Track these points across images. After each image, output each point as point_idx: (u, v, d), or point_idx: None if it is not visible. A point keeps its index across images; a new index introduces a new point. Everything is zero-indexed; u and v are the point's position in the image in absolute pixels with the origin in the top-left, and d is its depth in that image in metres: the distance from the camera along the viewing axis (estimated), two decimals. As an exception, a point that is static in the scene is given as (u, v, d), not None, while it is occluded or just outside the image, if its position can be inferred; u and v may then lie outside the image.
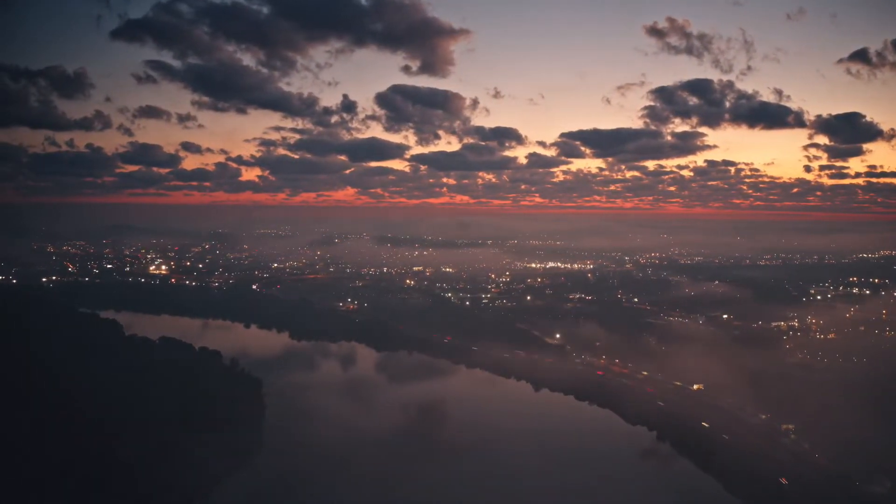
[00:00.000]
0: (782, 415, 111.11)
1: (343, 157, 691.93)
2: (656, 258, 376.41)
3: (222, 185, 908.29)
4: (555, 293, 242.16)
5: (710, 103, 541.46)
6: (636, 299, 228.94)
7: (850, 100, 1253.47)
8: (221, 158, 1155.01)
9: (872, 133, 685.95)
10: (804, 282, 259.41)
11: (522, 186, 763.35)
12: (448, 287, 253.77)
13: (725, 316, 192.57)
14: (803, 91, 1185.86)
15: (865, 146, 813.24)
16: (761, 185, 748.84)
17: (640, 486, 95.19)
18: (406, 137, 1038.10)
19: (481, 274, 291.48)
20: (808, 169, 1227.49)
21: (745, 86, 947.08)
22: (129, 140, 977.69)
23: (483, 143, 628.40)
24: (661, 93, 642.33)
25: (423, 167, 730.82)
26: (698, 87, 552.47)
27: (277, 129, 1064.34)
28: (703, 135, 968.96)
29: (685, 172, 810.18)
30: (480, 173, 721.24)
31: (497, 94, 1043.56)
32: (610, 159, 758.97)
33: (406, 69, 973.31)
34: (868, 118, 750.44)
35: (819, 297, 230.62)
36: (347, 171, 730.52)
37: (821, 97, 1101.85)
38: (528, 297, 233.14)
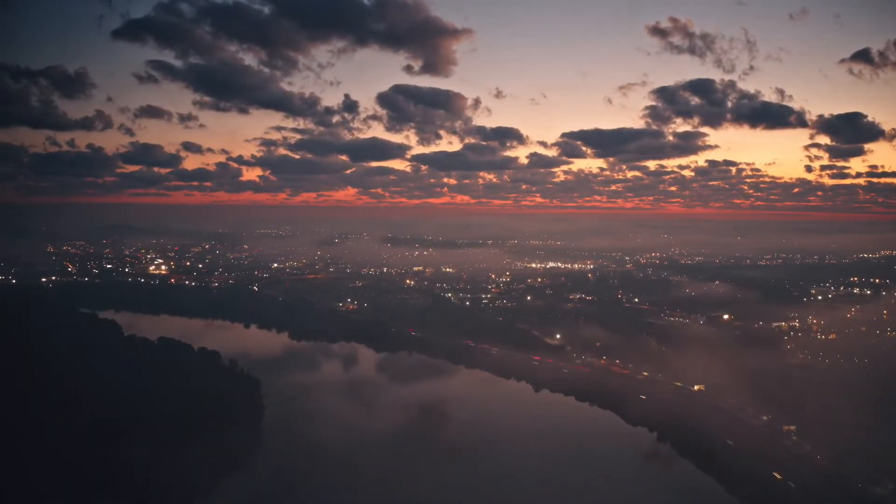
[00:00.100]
0: (783, 416, 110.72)
1: (344, 157, 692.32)
2: (657, 258, 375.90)
3: (223, 185, 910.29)
4: (555, 293, 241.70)
5: (712, 103, 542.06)
6: (637, 299, 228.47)
7: (852, 100, 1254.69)
8: (222, 158, 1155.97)
9: (874, 133, 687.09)
10: (805, 282, 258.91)
11: (523, 186, 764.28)
12: (448, 287, 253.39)
13: (726, 316, 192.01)
14: (805, 91, 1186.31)
15: (867, 146, 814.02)
16: (762, 185, 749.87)
17: (640, 487, 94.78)
18: (407, 137, 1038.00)
19: (481, 274, 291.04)
20: (809, 169, 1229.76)
21: (748, 86, 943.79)
22: (131, 140, 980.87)
23: (484, 143, 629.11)
24: (663, 93, 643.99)
25: (423, 167, 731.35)
26: (700, 86, 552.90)
27: (278, 128, 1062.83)
28: (704, 135, 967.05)
29: (686, 172, 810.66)
30: (481, 173, 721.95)
31: (499, 94, 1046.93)
32: (611, 159, 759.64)
33: (408, 69, 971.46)
34: (870, 118, 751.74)
35: (820, 298, 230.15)
36: (348, 171, 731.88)
37: (823, 97, 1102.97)
38: (529, 298, 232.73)
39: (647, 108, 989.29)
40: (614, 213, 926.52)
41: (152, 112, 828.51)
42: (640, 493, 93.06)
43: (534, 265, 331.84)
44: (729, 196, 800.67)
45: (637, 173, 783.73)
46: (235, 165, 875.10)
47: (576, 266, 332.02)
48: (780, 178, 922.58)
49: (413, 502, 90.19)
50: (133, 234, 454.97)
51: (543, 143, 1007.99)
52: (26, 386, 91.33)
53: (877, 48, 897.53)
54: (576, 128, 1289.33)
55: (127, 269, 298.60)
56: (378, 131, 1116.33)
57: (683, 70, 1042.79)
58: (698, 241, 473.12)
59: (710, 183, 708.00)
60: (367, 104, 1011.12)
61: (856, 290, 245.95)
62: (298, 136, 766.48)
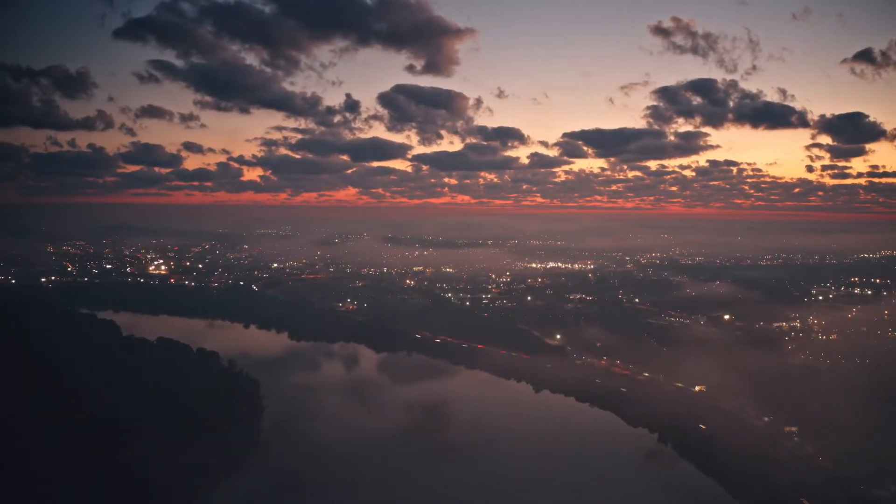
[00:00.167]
0: (785, 417, 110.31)
1: (345, 157, 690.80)
2: (657, 258, 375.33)
3: (224, 185, 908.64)
4: (555, 293, 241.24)
5: (714, 103, 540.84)
6: (637, 300, 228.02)
7: (854, 100, 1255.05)
8: (223, 158, 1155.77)
9: (875, 133, 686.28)
10: (806, 282, 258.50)
11: (524, 186, 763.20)
12: (448, 287, 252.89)
13: (727, 316, 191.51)
14: (808, 91, 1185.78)
15: (868, 146, 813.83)
16: (763, 185, 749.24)
17: (641, 488, 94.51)
18: (408, 137, 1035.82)
19: (482, 274, 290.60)
20: (810, 169, 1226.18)
21: (750, 85, 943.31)
22: (132, 140, 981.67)
23: (485, 143, 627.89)
24: (665, 92, 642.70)
25: (425, 167, 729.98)
26: (702, 86, 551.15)
27: (279, 128, 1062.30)
28: (706, 135, 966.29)
29: (687, 172, 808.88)
30: (482, 173, 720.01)
31: (501, 94, 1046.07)
32: (612, 159, 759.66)
33: (410, 68, 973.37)
34: (871, 118, 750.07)
35: (821, 298, 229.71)
36: (349, 171, 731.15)
37: (825, 97, 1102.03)
38: (529, 298, 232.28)
39: (648, 107, 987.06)
40: (615, 213, 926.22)
41: (153, 112, 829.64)
42: (641, 495, 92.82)
43: (534, 265, 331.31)
44: (730, 196, 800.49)
45: (638, 173, 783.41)
46: (236, 165, 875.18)
47: (576, 266, 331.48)
48: (781, 178, 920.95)
49: (413, 502, 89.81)
50: (133, 234, 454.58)
51: (545, 143, 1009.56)
52: (24, 387, 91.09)
53: (879, 48, 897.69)
54: (577, 128, 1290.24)
55: (127, 269, 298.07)
56: (379, 131, 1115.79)
57: (685, 70, 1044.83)
58: (699, 241, 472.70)
59: (711, 183, 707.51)
60: (369, 104, 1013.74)
61: (856, 291, 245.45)
62: (299, 136, 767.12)
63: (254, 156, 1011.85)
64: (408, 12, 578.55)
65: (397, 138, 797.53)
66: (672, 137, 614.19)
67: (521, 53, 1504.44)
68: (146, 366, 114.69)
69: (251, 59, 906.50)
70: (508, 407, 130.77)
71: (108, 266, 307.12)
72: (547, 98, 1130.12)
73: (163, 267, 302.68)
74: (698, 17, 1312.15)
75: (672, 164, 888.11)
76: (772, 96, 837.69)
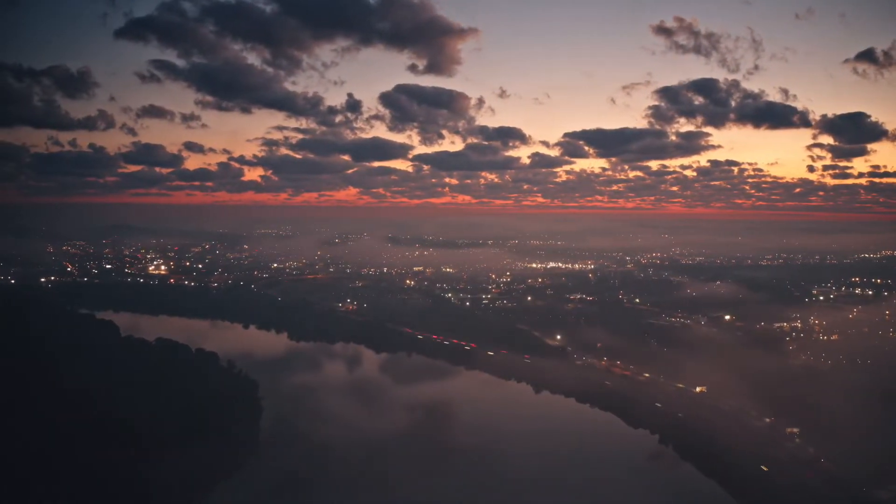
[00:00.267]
0: (786, 418, 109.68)
1: (346, 157, 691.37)
2: (658, 258, 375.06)
3: (224, 185, 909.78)
4: (555, 294, 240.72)
5: (716, 103, 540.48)
6: (637, 300, 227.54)
7: (856, 100, 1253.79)
8: (224, 158, 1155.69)
9: (877, 133, 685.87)
10: (806, 282, 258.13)
11: (525, 186, 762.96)
12: (448, 287, 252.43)
13: (728, 317, 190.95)
14: (810, 91, 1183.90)
15: (870, 146, 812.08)
16: (764, 185, 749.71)
17: (641, 489, 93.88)
18: (410, 137, 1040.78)
19: (482, 274, 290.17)
20: (811, 169, 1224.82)
21: (752, 85, 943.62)
22: (133, 140, 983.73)
23: (486, 143, 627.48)
24: (667, 92, 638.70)
25: (426, 167, 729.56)
26: (704, 86, 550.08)
27: (280, 128, 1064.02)
28: (707, 135, 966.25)
29: (688, 172, 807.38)
30: (483, 173, 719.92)
31: (503, 94, 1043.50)
32: (613, 159, 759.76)
33: (412, 68, 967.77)
34: (873, 118, 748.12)
35: (821, 298, 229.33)
36: (350, 171, 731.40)
37: (827, 97, 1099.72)
38: (529, 298, 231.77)
39: (650, 107, 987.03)
40: (615, 213, 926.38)
41: (155, 112, 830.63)
42: (641, 496, 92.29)
43: (534, 265, 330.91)
44: (730, 196, 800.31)
45: (639, 173, 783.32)
46: (237, 165, 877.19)
47: (576, 266, 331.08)
48: (782, 178, 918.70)
49: (413, 502, 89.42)
50: (133, 234, 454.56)
51: (546, 143, 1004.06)
52: (22, 388, 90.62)
53: (881, 48, 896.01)
54: (578, 127, 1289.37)
55: (126, 270, 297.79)
56: (381, 131, 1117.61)
57: (688, 69, 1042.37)
58: (699, 242, 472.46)
59: (712, 183, 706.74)
60: (371, 104, 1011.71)
61: (857, 291, 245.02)
62: (300, 136, 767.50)
63: (255, 156, 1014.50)
64: (410, 12, 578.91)
65: (398, 138, 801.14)
66: (673, 137, 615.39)
67: (523, 53, 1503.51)
68: (145, 366, 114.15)
69: (253, 58, 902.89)
70: (508, 408, 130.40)
71: (108, 266, 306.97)
72: (549, 98, 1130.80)
73: (162, 267, 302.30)
74: (701, 17, 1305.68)
75: (673, 163, 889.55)
76: (774, 96, 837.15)
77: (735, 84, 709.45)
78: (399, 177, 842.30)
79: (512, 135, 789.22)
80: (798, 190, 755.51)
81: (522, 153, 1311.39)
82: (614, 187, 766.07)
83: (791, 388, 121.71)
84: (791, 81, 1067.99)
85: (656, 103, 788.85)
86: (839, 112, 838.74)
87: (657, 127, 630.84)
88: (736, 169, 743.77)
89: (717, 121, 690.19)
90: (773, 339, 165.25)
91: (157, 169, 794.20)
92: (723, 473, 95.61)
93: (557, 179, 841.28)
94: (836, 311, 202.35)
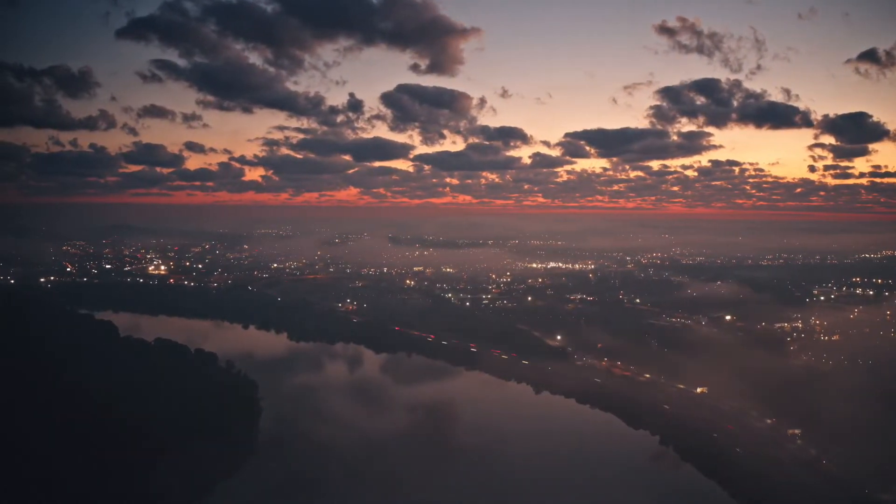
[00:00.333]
0: (788, 419, 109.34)
1: (347, 157, 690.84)
2: (658, 258, 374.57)
3: (225, 185, 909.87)
4: (556, 294, 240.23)
5: (718, 103, 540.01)
6: (638, 300, 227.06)
7: (858, 100, 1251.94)
8: (225, 158, 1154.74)
9: (879, 133, 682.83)
10: (807, 282, 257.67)
11: (525, 186, 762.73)
12: (448, 287, 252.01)
13: (728, 317, 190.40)
14: (812, 91, 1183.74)
15: (871, 146, 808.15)
16: (765, 185, 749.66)
17: (642, 490, 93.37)
18: (411, 137, 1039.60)
19: (482, 274, 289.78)
20: (812, 169, 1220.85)
21: (754, 85, 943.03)
22: (134, 140, 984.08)
23: (488, 143, 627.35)
24: (669, 92, 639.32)
25: (426, 167, 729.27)
26: (706, 86, 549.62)
27: (281, 128, 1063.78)
28: (709, 134, 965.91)
29: (689, 172, 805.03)
30: (484, 173, 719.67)
31: (505, 94, 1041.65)
32: (614, 159, 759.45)
33: (415, 67, 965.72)
34: (875, 118, 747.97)
35: (822, 298, 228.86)
36: (351, 171, 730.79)
37: (829, 97, 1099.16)
38: (529, 298, 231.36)
39: (652, 107, 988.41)
40: (616, 212, 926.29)
41: (156, 112, 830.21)
42: (642, 497, 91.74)
43: (535, 265, 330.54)
44: (731, 196, 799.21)
45: (640, 173, 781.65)
46: (238, 165, 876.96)
47: (577, 266, 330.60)
48: (783, 178, 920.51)
49: (413, 502, 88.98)
50: (133, 234, 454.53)
51: (547, 143, 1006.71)
52: (20, 388, 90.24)
53: (883, 48, 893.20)
54: (580, 127, 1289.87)
55: (126, 270, 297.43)
56: (382, 131, 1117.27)
57: (690, 69, 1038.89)
58: (700, 242, 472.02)
59: (713, 183, 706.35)
60: (372, 104, 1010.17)
61: (858, 291, 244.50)
62: (301, 136, 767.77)
63: (255, 156, 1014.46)
64: (413, 11, 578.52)
65: (400, 138, 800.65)
66: (675, 137, 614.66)
67: (525, 53, 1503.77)
68: (144, 367, 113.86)
69: (254, 58, 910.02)
70: (508, 408, 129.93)
71: (108, 266, 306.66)
72: (550, 98, 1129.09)
73: (162, 267, 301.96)
74: (703, 17, 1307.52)
75: (674, 163, 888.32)
76: (776, 96, 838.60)
77: (737, 84, 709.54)
78: (400, 177, 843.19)
79: (513, 135, 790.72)
80: (799, 190, 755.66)
81: (524, 153, 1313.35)
82: (615, 187, 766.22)
83: (792, 388, 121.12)
84: (793, 81, 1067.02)
85: (658, 103, 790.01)
86: (841, 112, 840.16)
87: (659, 127, 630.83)
88: (737, 169, 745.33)
89: (719, 121, 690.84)
90: (773, 340, 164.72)
91: (158, 169, 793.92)
92: (724, 474, 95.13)
93: (558, 179, 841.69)
94: (837, 311, 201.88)
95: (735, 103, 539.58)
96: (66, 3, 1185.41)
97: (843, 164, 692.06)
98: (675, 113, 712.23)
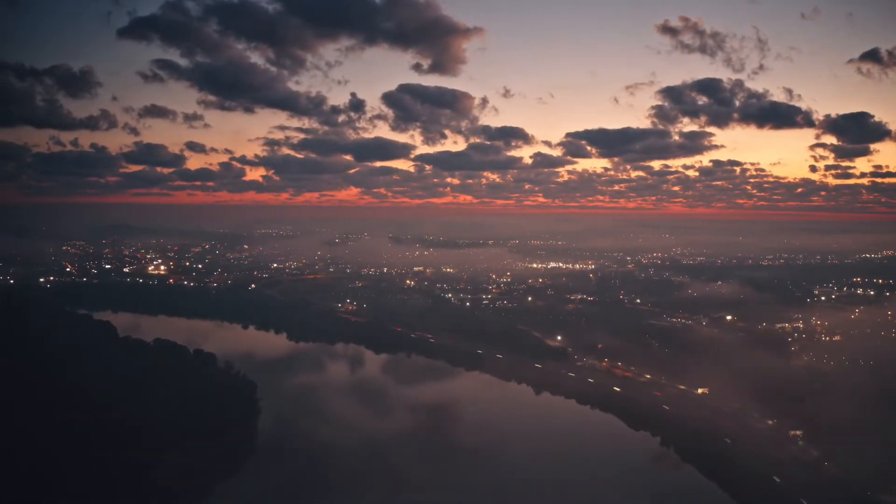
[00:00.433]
0: (789, 420, 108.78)
1: (348, 157, 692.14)
2: (658, 258, 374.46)
3: (226, 185, 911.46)
4: (556, 294, 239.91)
5: (720, 103, 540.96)
6: (638, 300, 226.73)
7: (861, 99, 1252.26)
8: (225, 158, 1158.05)
9: (880, 133, 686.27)
10: (808, 282, 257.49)
11: (526, 186, 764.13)
12: (448, 287, 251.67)
13: (729, 317, 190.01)
14: (814, 91, 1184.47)
15: (873, 146, 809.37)
16: (765, 185, 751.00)
17: (642, 491, 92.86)
18: (412, 137, 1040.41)
19: (482, 274, 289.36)
20: (813, 169, 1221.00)
21: (756, 85, 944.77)
22: (135, 140, 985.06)
23: (489, 143, 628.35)
24: (670, 92, 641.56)
25: (427, 167, 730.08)
26: (708, 86, 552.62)
27: (282, 128, 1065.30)
28: (710, 134, 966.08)
29: (690, 172, 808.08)
30: (485, 173, 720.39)
31: (507, 94, 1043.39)
32: (615, 159, 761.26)
33: (417, 67, 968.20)
34: (876, 118, 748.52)
35: (823, 298, 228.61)
36: (352, 171, 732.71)
37: (832, 97, 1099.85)
38: (529, 298, 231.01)
39: (653, 107, 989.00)
40: (616, 213, 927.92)
41: (157, 111, 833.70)
42: (642, 498, 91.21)
43: (535, 265, 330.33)
44: (732, 196, 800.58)
45: (641, 173, 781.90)
46: (239, 165, 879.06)
47: (577, 266, 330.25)
48: (783, 178, 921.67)
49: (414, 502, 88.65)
50: (133, 234, 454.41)
51: (548, 143, 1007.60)
52: (18, 390, 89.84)
53: (886, 48, 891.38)
54: (581, 127, 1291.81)
55: (126, 270, 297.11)
56: (383, 131, 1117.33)
57: (693, 69, 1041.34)
58: (700, 242, 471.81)
59: (714, 183, 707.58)
60: (374, 103, 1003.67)
61: (859, 291, 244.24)
62: (302, 136, 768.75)
63: (256, 155, 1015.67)
64: (415, 11, 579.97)
65: (401, 138, 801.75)
66: (676, 137, 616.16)
67: (527, 53, 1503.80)
68: (142, 368, 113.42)
69: (256, 57, 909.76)
70: (508, 409, 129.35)
71: (108, 266, 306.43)
72: (552, 98, 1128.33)
73: (162, 267, 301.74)
74: (706, 16, 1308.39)
75: (675, 163, 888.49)
76: (778, 96, 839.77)
77: (739, 84, 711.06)
78: (401, 177, 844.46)
79: (515, 134, 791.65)
80: (800, 190, 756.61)
81: (525, 153, 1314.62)
82: (616, 187, 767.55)
83: (793, 389, 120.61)
84: (796, 81, 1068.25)
85: (660, 103, 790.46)
86: (843, 112, 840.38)
87: (660, 127, 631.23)
88: (738, 169, 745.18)
89: (721, 121, 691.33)
90: (774, 340, 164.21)
91: (159, 169, 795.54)
92: (724, 476, 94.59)
93: (559, 179, 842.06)
94: (838, 311, 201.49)
95: (737, 103, 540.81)
96: (68, 2, 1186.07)
97: (844, 164, 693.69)
98: (677, 113, 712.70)
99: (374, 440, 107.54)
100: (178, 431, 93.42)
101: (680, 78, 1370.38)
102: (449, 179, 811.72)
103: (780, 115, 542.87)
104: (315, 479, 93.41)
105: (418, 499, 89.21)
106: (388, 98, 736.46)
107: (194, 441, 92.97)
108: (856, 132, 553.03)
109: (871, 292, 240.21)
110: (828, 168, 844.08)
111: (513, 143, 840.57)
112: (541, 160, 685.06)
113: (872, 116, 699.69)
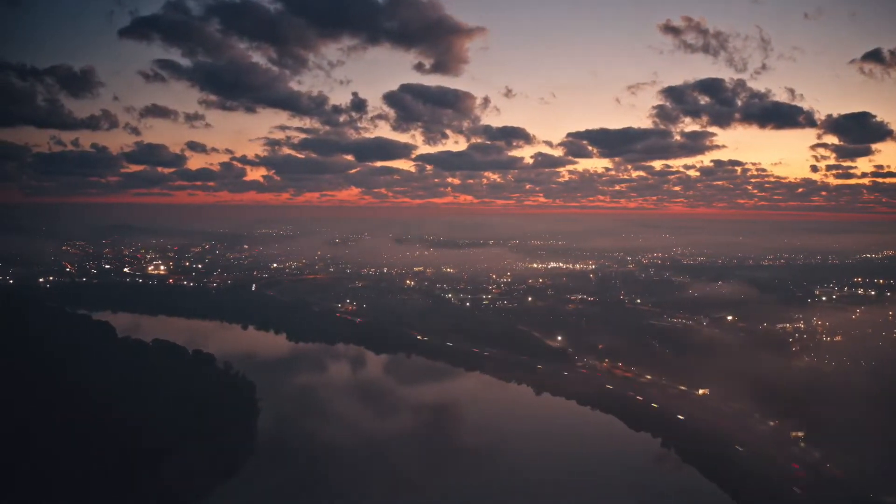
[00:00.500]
0: (791, 421, 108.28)
1: (349, 157, 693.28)
2: (659, 258, 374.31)
3: (226, 185, 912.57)
4: (556, 294, 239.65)
5: (722, 102, 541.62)
6: (639, 300, 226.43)
7: (862, 99, 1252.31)
8: (226, 158, 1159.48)
9: (882, 133, 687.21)
10: (808, 282, 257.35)
11: (527, 186, 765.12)
12: (448, 288, 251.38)
13: (730, 317, 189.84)
14: (816, 91, 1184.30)
15: (874, 146, 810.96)
16: (766, 185, 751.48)
17: (641, 492, 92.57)
18: (413, 137, 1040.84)
19: (482, 274, 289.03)
20: (814, 169, 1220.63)
21: (758, 85, 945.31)
22: (136, 139, 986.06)
23: (490, 143, 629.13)
24: (672, 92, 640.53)
25: (428, 167, 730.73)
26: (710, 86, 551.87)
27: (283, 128, 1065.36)
28: (712, 134, 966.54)
29: (692, 172, 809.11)
30: (485, 173, 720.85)
31: (509, 93, 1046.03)
32: (617, 159, 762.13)
33: (419, 67, 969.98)
34: (878, 118, 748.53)
35: (824, 298, 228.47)
36: (353, 171, 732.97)
37: (834, 97, 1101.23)
38: (530, 298, 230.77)
39: (655, 107, 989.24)
40: (617, 213, 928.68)
41: (158, 111, 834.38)
42: (642, 499, 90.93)
43: (535, 265, 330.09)
44: (733, 196, 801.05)
45: (642, 173, 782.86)
46: (239, 165, 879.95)
47: (577, 266, 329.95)
48: (784, 178, 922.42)
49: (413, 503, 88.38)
50: (133, 233, 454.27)
51: (549, 143, 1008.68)
52: (17, 390, 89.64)
53: (888, 48, 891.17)
54: (582, 127, 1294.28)
55: (126, 270, 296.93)
56: (385, 131, 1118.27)
57: (695, 69, 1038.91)
58: (701, 242, 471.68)
59: (715, 183, 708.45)
60: (375, 103, 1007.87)
61: (860, 291, 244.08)
62: (303, 136, 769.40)
63: (257, 155, 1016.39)
64: (418, 11, 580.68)
65: (402, 138, 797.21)
66: (678, 137, 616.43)
67: (529, 52, 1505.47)
68: (142, 368, 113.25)
69: (258, 57, 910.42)
70: (508, 410, 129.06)
71: (107, 266, 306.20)
72: (554, 97, 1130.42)
73: (162, 267, 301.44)
74: (709, 16, 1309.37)
75: (677, 163, 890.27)
76: (780, 96, 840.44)
77: (741, 84, 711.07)
78: (402, 177, 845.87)
79: (516, 134, 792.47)
80: (801, 190, 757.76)
81: (526, 153, 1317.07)
82: (617, 187, 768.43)
83: (795, 390, 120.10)
84: (798, 81, 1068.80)
85: (661, 103, 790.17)
86: (844, 112, 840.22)
87: (662, 127, 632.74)
88: (739, 169, 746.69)
89: (723, 120, 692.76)
90: (775, 341, 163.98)
91: (160, 169, 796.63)
92: (725, 477, 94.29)
93: (560, 179, 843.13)
94: (839, 311, 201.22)
95: (739, 103, 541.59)
96: (69, 2, 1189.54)
97: (845, 163, 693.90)
98: (679, 113, 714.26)
99: (374, 440, 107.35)
100: (177, 431, 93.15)
101: (682, 78, 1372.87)
102: (450, 179, 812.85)
103: (782, 115, 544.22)
104: (315, 480, 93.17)
105: (418, 499, 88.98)
106: (389, 98, 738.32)
107: (194, 441, 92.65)
108: (857, 132, 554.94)
109: (872, 292, 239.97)
110: (829, 168, 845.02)
111: (514, 143, 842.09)
112: (542, 160, 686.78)
113: (874, 116, 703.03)
